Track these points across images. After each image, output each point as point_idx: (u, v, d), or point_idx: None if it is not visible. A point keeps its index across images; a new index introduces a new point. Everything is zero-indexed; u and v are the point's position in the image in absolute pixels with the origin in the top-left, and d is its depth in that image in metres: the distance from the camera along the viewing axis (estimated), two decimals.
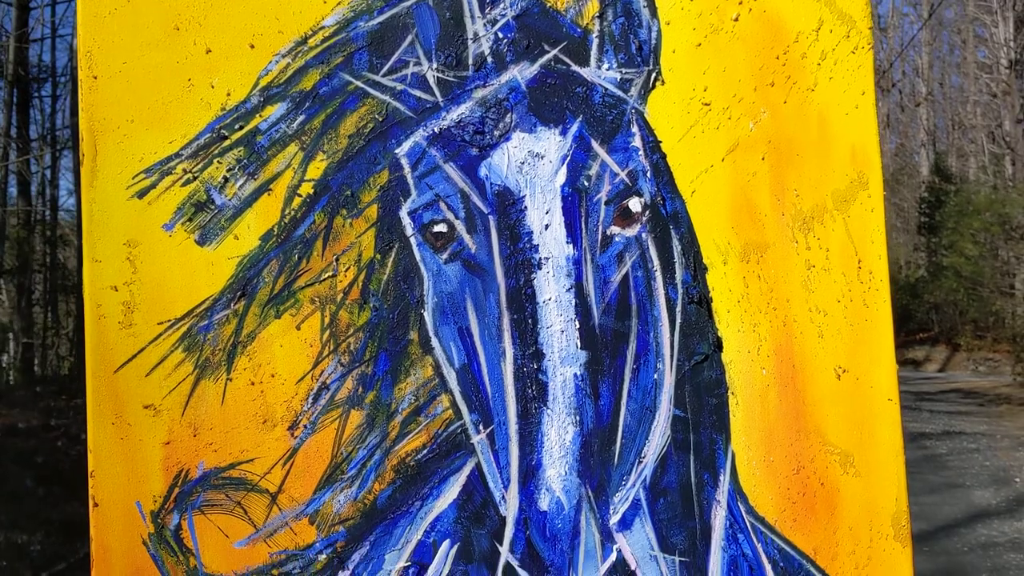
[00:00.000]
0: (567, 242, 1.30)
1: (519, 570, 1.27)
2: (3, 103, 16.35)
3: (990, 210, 22.67)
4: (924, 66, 34.01)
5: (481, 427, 1.28)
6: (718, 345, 1.32)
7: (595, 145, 1.31)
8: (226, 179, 1.26)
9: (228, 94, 1.28)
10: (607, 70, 1.32)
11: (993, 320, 23.99)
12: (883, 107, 35.87)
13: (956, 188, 27.14)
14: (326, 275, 1.27)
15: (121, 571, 1.21)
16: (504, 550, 1.27)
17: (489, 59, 1.31)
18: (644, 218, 1.32)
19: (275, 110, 1.28)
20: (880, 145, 1.39)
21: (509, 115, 1.30)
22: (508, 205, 1.30)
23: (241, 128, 1.27)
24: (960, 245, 24.39)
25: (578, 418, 1.29)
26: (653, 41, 1.33)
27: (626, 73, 1.32)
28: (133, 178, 1.25)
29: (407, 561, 1.27)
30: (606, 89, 1.32)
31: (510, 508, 1.28)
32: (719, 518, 1.31)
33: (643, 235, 1.32)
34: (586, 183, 1.31)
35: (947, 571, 7.10)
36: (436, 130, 1.29)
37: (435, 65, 1.30)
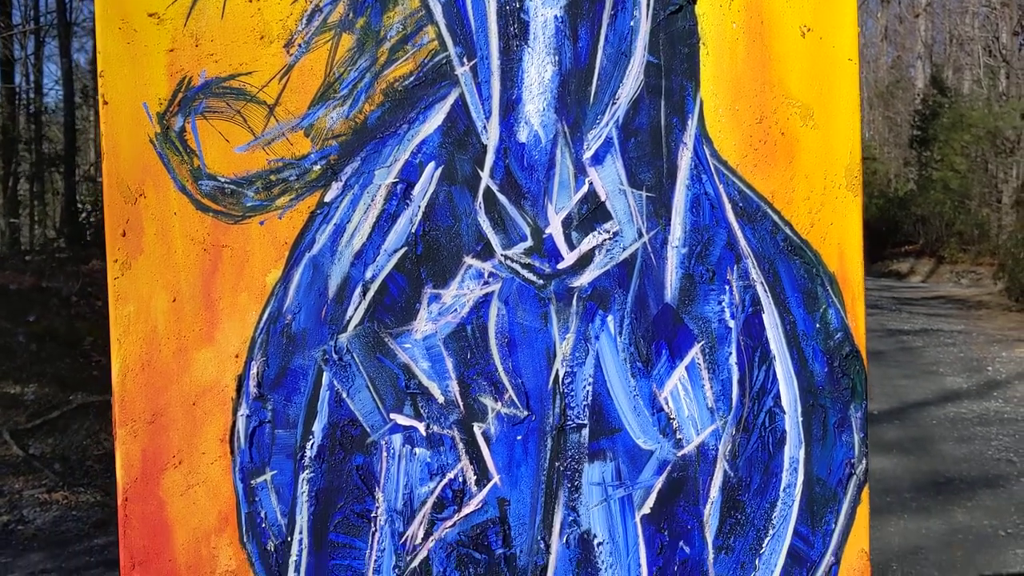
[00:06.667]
0: None
1: (498, 194, 1.37)
2: None
3: (982, 124, 22.59)
4: None
5: (465, 60, 1.36)
6: None
7: None
8: None
9: None
10: None
11: (978, 233, 24.12)
12: (881, 19, 35.35)
13: (951, 102, 26.94)
14: None
15: (130, 167, 1.30)
16: (485, 175, 1.37)
17: None
18: None
19: None
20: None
21: None
22: None
23: None
24: (950, 159, 24.36)
25: (557, 58, 1.37)
26: None
27: None
28: None
29: (395, 178, 1.36)
30: None
31: (491, 137, 1.37)
32: (685, 159, 1.40)
33: None
34: None
35: (916, 439, 7.37)
36: None
37: None
